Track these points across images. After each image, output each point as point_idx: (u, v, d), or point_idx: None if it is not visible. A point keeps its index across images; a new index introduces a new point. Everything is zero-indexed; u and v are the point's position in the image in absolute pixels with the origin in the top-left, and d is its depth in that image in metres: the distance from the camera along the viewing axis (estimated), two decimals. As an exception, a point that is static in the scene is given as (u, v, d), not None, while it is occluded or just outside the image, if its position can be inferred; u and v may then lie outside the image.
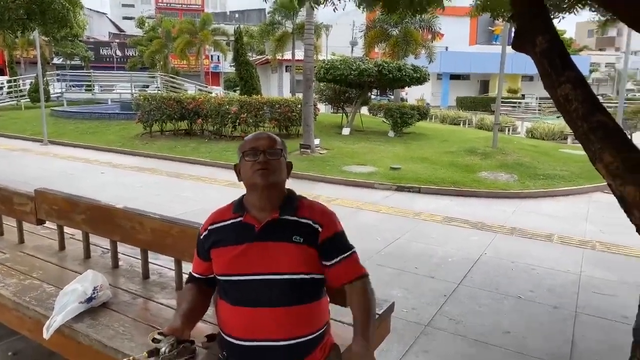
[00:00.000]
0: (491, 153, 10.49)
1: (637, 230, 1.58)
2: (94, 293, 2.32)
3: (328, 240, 1.59)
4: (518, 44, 2.10)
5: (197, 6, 53.02)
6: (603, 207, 7.02)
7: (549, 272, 4.50)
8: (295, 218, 1.59)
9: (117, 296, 2.50)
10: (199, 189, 7.77)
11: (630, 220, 1.60)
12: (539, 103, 31.56)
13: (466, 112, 25.35)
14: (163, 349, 1.51)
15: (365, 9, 4.86)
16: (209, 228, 1.67)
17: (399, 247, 5.08)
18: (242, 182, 1.65)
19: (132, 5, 66.90)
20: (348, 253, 1.64)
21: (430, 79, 15.08)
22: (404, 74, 12.66)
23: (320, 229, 1.58)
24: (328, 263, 1.60)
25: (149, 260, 2.81)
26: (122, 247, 3.00)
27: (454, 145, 11.55)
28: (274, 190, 1.59)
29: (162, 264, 2.89)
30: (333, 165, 9.45)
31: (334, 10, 4.00)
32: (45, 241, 3.36)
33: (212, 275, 1.70)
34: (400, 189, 7.98)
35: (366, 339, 1.52)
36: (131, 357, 1.63)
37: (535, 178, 8.56)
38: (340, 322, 2.07)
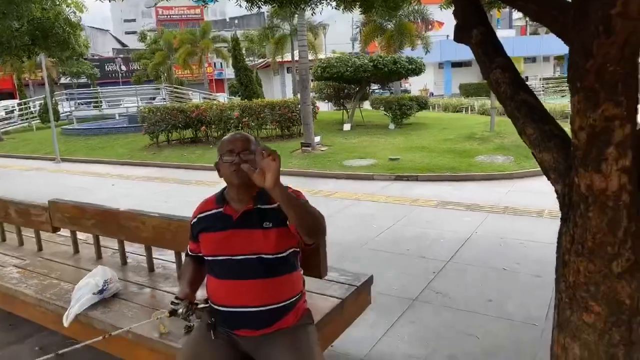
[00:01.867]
0: (489, 137, 10.67)
1: (555, 192, 1.83)
2: (104, 285, 2.64)
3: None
4: (458, 36, 2.35)
5: (197, 15, 53.58)
6: None
7: (536, 244, 4.73)
8: (266, 206, 1.86)
9: (126, 288, 2.82)
10: (205, 193, 8.05)
11: (550, 181, 1.85)
12: (543, 84, 31.49)
13: (469, 98, 25.38)
14: (180, 310, 1.83)
15: (344, 10, 5.14)
16: (198, 216, 1.99)
17: (393, 233, 5.35)
18: (222, 178, 1.94)
19: (134, 20, 67.83)
20: (304, 198, 1.86)
21: (426, 69, 15.23)
22: (399, 66, 12.88)
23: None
24: (289, 222, 1.79)
25: (154, 256, 3.14)
26: (129, 247, 3.33)
27: (453, 133, 11.75)
28: (249, 186, 1.84)
29: (166, 258, 3.20)
30: (334, 160, 9.72)
31: (312, 14, 4.26)
32: (61, 247, 3.70)
33: (202, 254, 2.01)
34: (398, 178, 8.23)
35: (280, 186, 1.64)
36: (157, 317, 1.96)
37: (532, 158, 8.65)
38: (313, 292, 2.36)
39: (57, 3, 6.18)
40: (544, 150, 1.84)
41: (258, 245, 1.82)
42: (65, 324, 2.50)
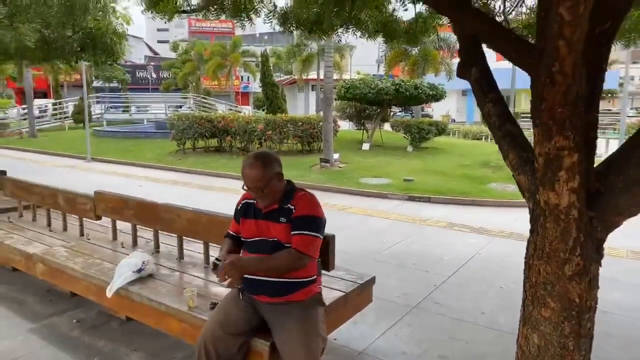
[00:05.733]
0: (503, 166, 10.86)
1: (528, 209, 2.18)
2: (142, 266, 3.06)
3: (297, 218, 2.23)
4: (461, 72, 2.75)
5: (228, 29, 55.13)
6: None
7: (534, 268, 5.00)
8: (285, 206, 2.28)
9: (159, 271, 3.24)
10: (227, 199, 8.54)
11: (525, 199, 2.20)
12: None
13: (489, 127, 25.47)
14: (220, 264, 2.22)
15: (368, 39, 5.58)
16: (243, 201, 2.43)
17: (401, 248, 5.68)
18: None
19: (167, 30, 70.01)
20: (310, 233, 2.22)
21: (450, 96, 15.60)
22: (420, 91, 13.29)
23: (294, 210, 2.25)
24: (293, 232, 2.23)
25: (184, 247, 3.55)
26: (162, 238, 3.75)
27: (469, 159, 12.04)
28: (273, 199, 2.28)
29: (193, 249, 3.62)
30: (350, 177, 10.11)
31: (337, 41, 4.68)
32: (101, 234, 4.16)
33: (240, 235, 2.43)
34: (411, 198, 8.56)
35: (241, 259, 2.29)
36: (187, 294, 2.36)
37: (543, 188, 8.95)
38: (328, 287, 2.73)
39: (108, 15, 6.79)
40: (521, 173, 2.19)
41: (276, 234, 2.25)
42: (109, 295, 2.93)
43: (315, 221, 2.26)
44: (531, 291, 2.00)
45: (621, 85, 43.89)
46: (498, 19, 4.09)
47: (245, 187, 2.26)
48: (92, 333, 3.43)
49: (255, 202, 2.33)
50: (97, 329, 3.50)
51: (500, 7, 3.78)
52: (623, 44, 4.14)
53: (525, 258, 2.09)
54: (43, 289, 4.15)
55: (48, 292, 4.10)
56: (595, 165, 2.15)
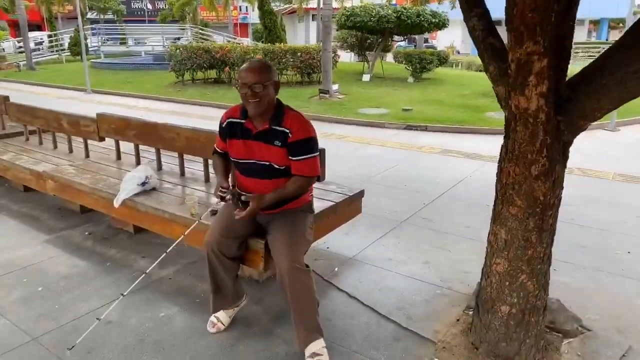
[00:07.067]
0: (503, 96, 10.90)
1: (505, 119, 2.31)
2: (146, 179, 3.26)
3: (295, 143, 2.32)
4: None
5: (225, -45, 52.32)
6: (602, 142, 7.54)
7: (522, 190, 5.22)
8: (278, 128, 2.33)
9: (162, 185, 3.45)
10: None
11: (502, 108, 2.33)
12: (574, 48, 30.62)
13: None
14: (228, 197, 2.37)
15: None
16: (227, 120, 2.46)
17: (395, 172, 5.88)
18: None
19: (161, -44, 66.42)
20: (310, 156, 2.34)
21: (455, 27, 15.19)
22: (422, 19, 12.95)
23: (289, 134, 2.31)
24: (293, 158, 2.34)
25: (185, 165, 3.74)
26: (164, 158, 3.93)
27: (469, 89, 11.98)
28: (263, 111, 2.30)
29: (194, 167, 3.81)
30: (349, 108, 10.14)
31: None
32: (105, 155, 4.34)
33: (228, 153, 2.53)
34: (408, 127, 8.66)
35: (263, 198, 2.32)
36: (211, 208, 2.52)
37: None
38: (314, 197, 2.93)
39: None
40: (500, 84, 2.30)
41: (269, 157, 2.35)
42: (116, 205, 3.16)
43: (311, 142, 2.35)
44: (501, 192, 2.19)
45: (635, 13, 42.35)
46: None
47: (240, 85, 2.24)
48: (103, 243, 3.71)
49: (242, 121, 2.36)
50: (108, 240, 3.77)
51: None
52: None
53: (498, 162, 2.25)
54: (54, 207, 4.40)
55: (59, 210, 4.36)
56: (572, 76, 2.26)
